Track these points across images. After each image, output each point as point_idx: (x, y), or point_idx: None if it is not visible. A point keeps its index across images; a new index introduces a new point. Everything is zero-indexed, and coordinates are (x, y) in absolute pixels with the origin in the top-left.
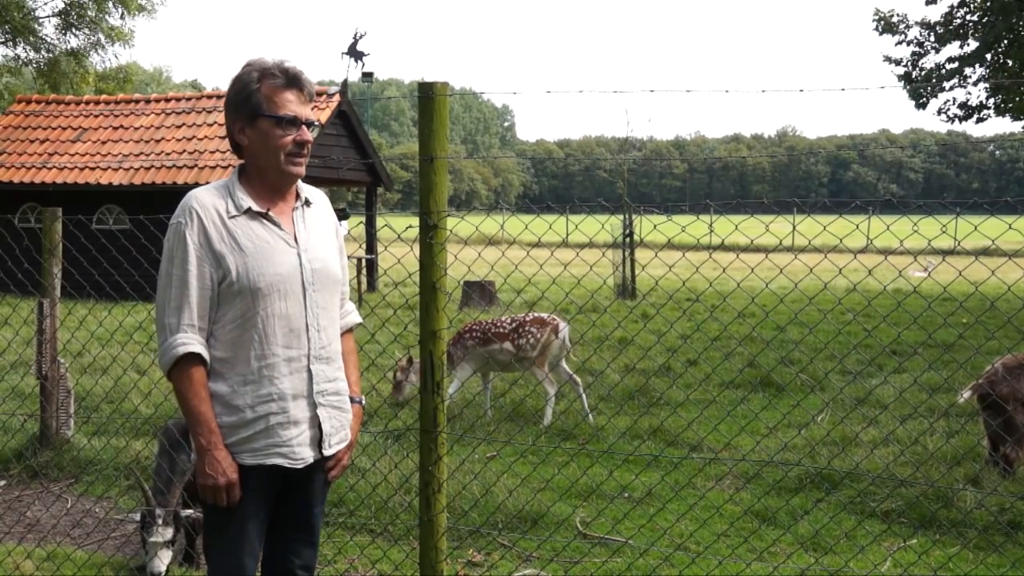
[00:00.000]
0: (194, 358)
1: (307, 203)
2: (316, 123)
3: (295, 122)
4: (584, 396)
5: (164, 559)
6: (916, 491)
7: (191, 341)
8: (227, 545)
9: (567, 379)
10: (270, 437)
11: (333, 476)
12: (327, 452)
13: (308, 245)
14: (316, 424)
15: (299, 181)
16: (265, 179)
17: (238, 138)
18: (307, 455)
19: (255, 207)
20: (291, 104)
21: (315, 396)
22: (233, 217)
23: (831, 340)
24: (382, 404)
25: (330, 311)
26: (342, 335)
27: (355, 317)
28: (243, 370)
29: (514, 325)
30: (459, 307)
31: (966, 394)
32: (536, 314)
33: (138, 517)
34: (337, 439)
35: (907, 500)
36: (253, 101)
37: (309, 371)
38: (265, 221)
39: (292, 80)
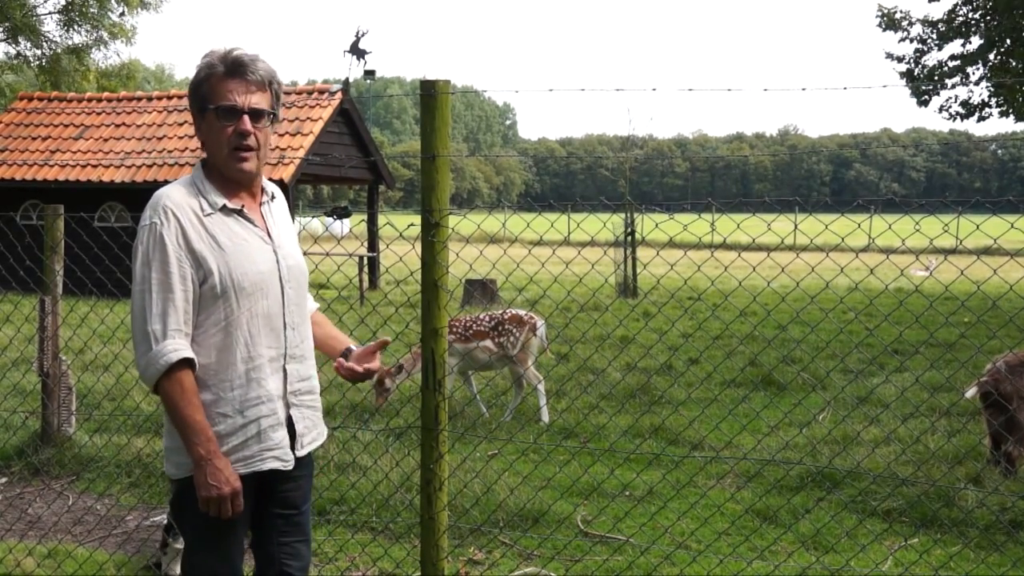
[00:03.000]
0: (185, 364)
1: (272, 197)
2: (268, 112)
3: (233, 111)
4: (518, 400)
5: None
6: (917, 490)
7: (182, 347)
8: (220, 558)
9: (516, 379)
10: (262, 441)
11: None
12: (299, 453)
13: (281, 241)
14: (290, 424)
15: (262, 176)
16: (223, 174)
17: (196, 132)
18: (292, 456)
19: (229, 204)
20: (232, 93)
21: (288, 396)
22: (209, 215)
23: (833, 339)
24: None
25: (302, 308)
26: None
27: (313, 303)
28: (229, 375)
29: (493, 323)
30: (461, 305)
31: (971, 391)
32: (513, 311)
33: (165, 520)
34: (309, 439)
35: (908, 499)
36: (201, 93)
37: (284, 371)
38: (240, 218)
39: (232, 68)
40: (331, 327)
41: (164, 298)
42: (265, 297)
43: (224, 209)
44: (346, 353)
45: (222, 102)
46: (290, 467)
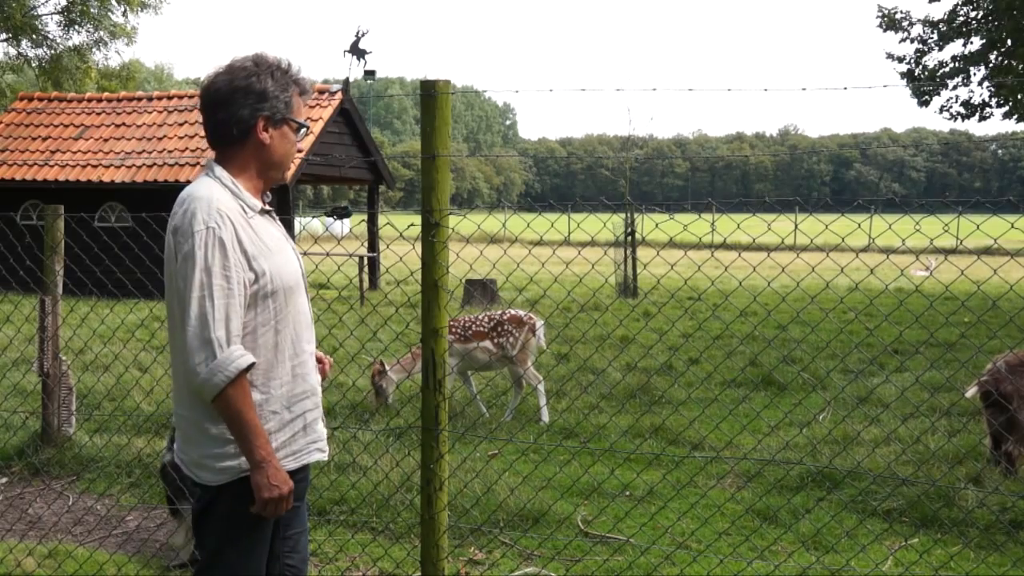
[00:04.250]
0: (248, 369)
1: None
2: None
3: (302, 128)
4: (518, 400)
5: None
6: (918, 490)
7: (245, 351)
8: (251, 562)
9: (516, 379)
10: (308, 434)
11: None
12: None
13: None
14: None
15: None
16: (263, 179)
17: (261, 135)
18: (327, 446)
19: (264, 205)
20: (303, 112)
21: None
22: (251, 217)
23: (833, 339)
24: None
25: None
26: None
27: None
28: (278, 373)
29: (492, 324)
30: (461, 305)
31: (971, 390)
32: (512, 311)
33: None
34: (324, 428)
35: (909, 499)
36: (292, 104)
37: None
38: (271, 218)
39: (305, 90)
40: None
41: (226, 303)
42: (300, 294)
43: (260, 210)
44: None
45: (303, 120)
46: (326, 457)
